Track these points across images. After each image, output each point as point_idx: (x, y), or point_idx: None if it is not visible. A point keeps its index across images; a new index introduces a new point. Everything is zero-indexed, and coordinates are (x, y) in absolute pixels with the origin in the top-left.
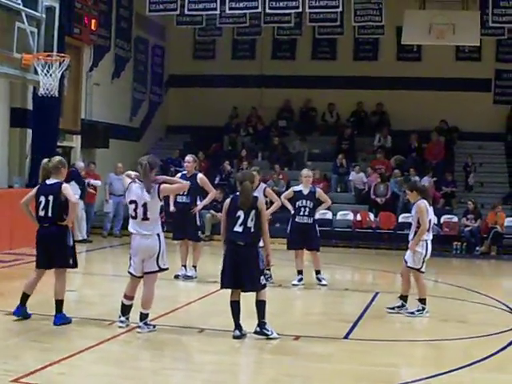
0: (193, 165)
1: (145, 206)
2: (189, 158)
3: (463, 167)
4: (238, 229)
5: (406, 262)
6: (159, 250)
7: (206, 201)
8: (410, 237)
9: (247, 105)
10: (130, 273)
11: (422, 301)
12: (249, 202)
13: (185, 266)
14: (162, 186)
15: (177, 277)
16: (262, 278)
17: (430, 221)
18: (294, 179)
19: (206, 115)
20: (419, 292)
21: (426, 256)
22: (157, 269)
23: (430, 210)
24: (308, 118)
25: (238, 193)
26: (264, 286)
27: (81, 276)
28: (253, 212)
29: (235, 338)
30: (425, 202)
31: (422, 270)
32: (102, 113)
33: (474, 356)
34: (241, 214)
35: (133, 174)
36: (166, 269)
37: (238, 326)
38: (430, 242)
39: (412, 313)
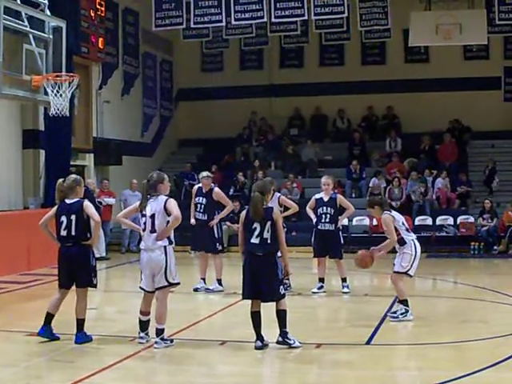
0: (209, 181)
1: (152, 217)
2: (206, 173)
3: (484, 171)
4: (255, 240)
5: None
6: (166, 264)
7: (223, 213)
8: (397, 247)
9: (258, 115)
10: (141, 288)
11: (404, 302)
12: (259, 213)
13: (204, 279)
14: (170, 200)
15: (196, 290)
16: (281, 287)
17: (403, 223)
18: (308, 187)
19: (216, 127)
20: (399, 294)
21: (415, 257)
22: (166, 284)
23: (396, 214)
24: (319, 124)
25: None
26: (283, 296)
27: (101, 293)
28: (268, 223)
29: (257, 348)
30: (388, 213)
31: (410, 273)
32: (113, 130)
33: (497, 356)
34: (257, 225)
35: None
36: (177, 283)
37: (259, 337)
38: (416, 242)
39: (396, 317)
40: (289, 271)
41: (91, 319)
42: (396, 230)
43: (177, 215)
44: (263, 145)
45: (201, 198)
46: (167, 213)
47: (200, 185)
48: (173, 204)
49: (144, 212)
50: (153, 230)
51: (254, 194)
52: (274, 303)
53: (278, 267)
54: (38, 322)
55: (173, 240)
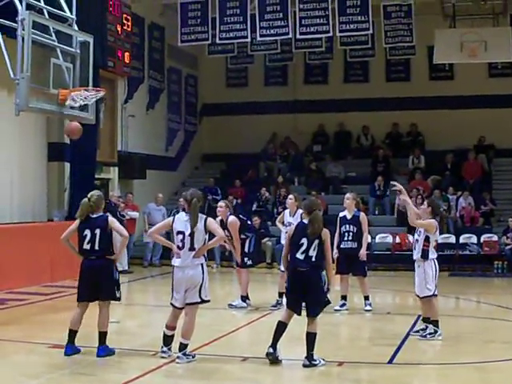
0: (225, 210)
1: (191, 235)
2: (221, 203)
3: None
4: (300, 256)
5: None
6: (202, 281)
7: (211, 244)
8: (417, 256)
9: (282, 131)
10: (172, 304)
11: (434, 322)
12: (319, 231)
13: (246, 297)
14: (210, 219)
15: (230, 307)
16: (325, 298)
17: (436, 240)
18: (331, 203)
19: (240, 143)
20: (432, 315)
21: (436, 275)
22: (199, 300)
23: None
24: (343, 141)
25: (304, 220)
26: (328, 302)
27: (123, 307)
28: (316, 241)
29: (268, 354)
30: (435, 221)
31: (436, 293)
32: (138, 144)
33: None
34: (305, 241)
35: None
36: (208, 301)
37: (273, 345)
38: (436, 262)
39: (424, 336)
40: (330, 289)
41: (113, 332)
42: (428, 240)
43: (222, 235)
44: (286, 161)
45: (226, 231)
46: (205, 231)
47: (220, 218)
48: (215, 224)
49: (182, 229)
50: (192, 248)
51: (315, 212)
52: (307, 323)
53: (322, 280)
54: (60, 333)
55: (206, 257)
